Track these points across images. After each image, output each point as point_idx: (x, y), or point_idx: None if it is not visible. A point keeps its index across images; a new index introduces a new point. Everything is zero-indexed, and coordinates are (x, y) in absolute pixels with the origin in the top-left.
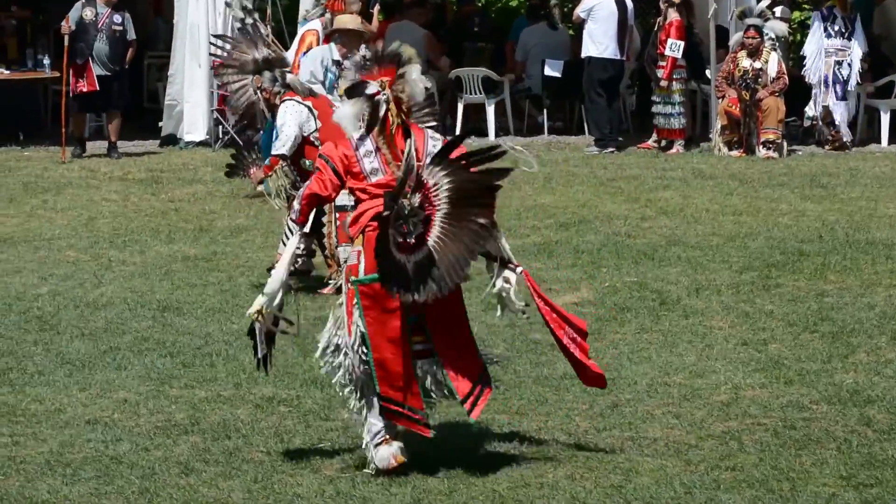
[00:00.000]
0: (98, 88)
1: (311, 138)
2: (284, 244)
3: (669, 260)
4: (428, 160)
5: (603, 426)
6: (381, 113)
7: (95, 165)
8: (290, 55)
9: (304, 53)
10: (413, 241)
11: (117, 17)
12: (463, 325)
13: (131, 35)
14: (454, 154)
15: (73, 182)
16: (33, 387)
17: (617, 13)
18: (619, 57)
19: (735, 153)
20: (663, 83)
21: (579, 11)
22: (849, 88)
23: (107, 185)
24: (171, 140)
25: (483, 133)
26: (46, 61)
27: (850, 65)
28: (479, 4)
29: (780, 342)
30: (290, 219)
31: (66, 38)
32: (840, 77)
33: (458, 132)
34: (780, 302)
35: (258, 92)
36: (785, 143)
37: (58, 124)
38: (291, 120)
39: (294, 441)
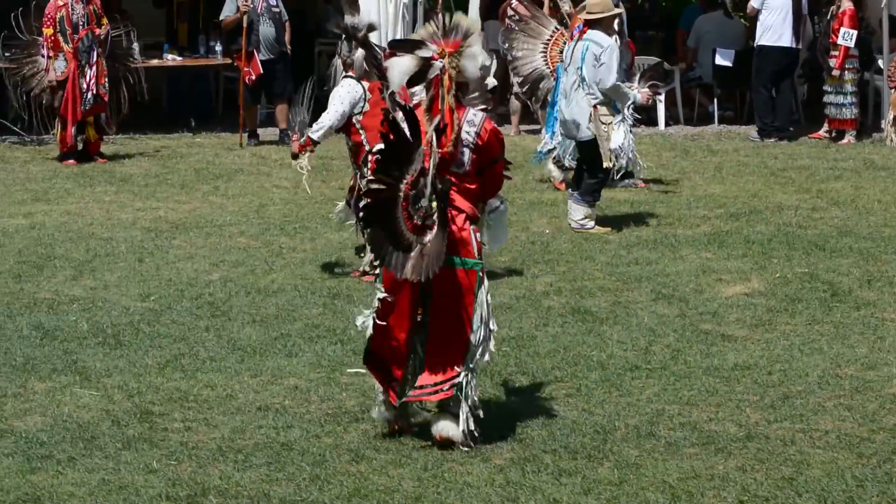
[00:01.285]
0: (262, 72)
1: (355, 120)
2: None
3: (841, 251)
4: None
5: (774, 418)
6: (430, 77)
7: (266, 152)
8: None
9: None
10: (423, 223)
11: (272, 0)
12: (464, 324)
13: (285, 15)
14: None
15: (244, 168)
16: (205, 373)
17: (791, 2)
18: (793, 45)
19: None
20: (835, 73)
21: (753, 3)
22: None
23: (277, 172)
24: None
25: (653, 123)
26: (218, 48)
27: None
28: None
29: None
30: None
31: (245, 19)
32: None
33: None
34: None
35: (337, 55)
36: None
37: (229, 111)
38: (339, 104)
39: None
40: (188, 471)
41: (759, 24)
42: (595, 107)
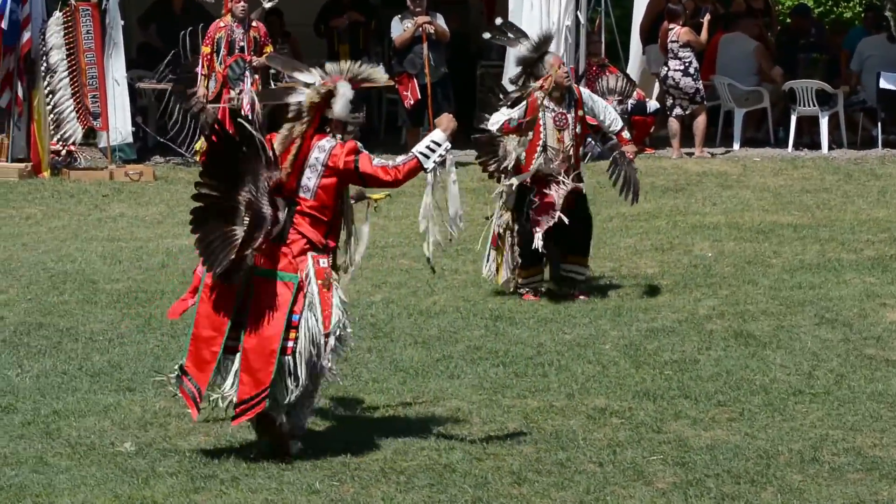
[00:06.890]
0: (420, 97)
1: None
2: None
3: None
4: None
5: None
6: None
7: None
8: None
9: None
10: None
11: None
12: (275, 336)
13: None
14: None
15: (405, 190)
16: (367, 394)
17: None
18: None
19: None
20: None
21: None
22: None
23: (439, 193)
24: None
25: (816, 146)
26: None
27: None
28: (813, 16)
29: None
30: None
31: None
32: None
33: (790, 145)
34: None
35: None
36: None
37: (391, 133)
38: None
39: (626, 453)
40: (350, 492)
41: None
42: None
